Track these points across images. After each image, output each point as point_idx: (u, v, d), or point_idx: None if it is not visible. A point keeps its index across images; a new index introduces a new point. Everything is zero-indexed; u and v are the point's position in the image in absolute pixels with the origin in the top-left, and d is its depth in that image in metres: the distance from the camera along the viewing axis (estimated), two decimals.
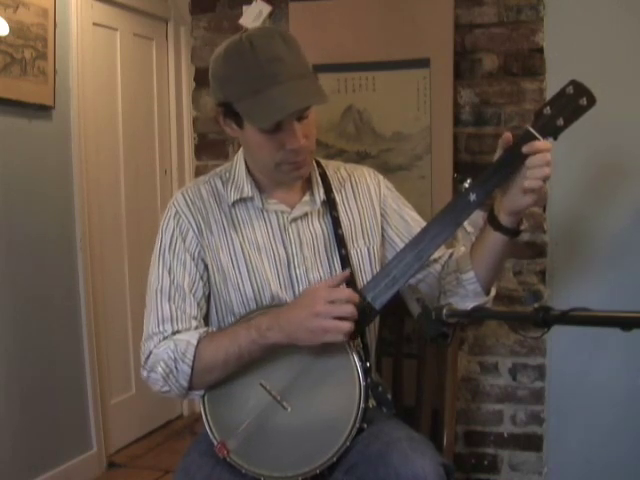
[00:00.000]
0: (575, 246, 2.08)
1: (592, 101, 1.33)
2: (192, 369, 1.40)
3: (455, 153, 2.11)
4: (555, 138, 1.34)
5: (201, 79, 2.35)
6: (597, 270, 2.07)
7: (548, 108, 1.34)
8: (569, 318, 1.02)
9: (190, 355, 1.39)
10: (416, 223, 1.58)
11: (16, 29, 2.49)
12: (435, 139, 2.09)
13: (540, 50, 2.06)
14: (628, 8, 1.99)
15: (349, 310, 1.32)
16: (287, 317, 1.35)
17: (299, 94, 1.36)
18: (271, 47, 1.35)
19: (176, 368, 1.40)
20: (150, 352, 1.44)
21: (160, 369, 1.41)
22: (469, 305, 1.42)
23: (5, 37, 2.45)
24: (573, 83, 1.34)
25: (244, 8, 2.24)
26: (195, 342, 1.40)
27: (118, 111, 3.27)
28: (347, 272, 1.42)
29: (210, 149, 2.35)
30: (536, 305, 1.05)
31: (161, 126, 3.59)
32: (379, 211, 1.59)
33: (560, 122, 1.33)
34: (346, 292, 1.35)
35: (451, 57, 2.07)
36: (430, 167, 2.10)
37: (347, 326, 1.31)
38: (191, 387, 1.43)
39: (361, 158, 2.13)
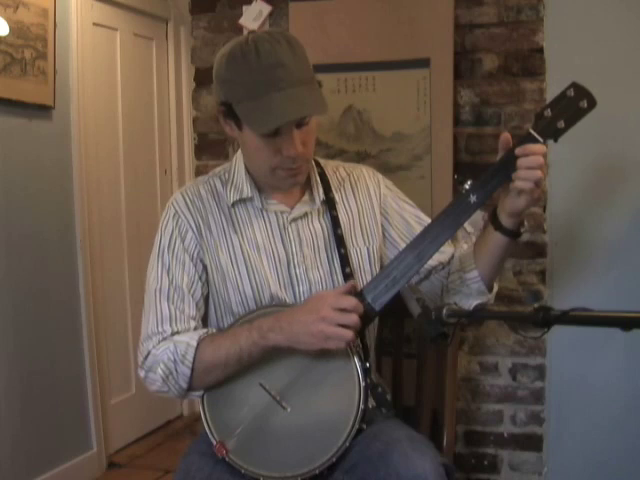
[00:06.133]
0: (575, 246, 2.08)
1: (592, 104, 1.33)
2: (192, 371, 1.40)
3: (455, 153, 2.11)
4: (555, 140, 1.34)
5: (201, 79, 2.34)
6: (597, 270, 2.06)
7: (549, 110, 1.34)
8: (569, 318, 1.03)
9: (190, 357, 1.39)
10: (417, 221, 1.59)
11: (16, 29, 2.50)
12: (435, 139, 2.09)
13: (540, 50, 2.06)
14: (628, 8, 1.99)
15: (354, 320, 1.33)
16: (290, 319, 1.35)
17: (299, 102, 1.36)
18: (275, 52, 1.35)
19: (176, 370, 1.40)
20: (149, 352, 1.44)
21: (160, 371, 1.41)
22: (472, 303, 1.46)
23: (5, 37, 2.45)
24: (574, 85, 1.34)
25: (244, 8, 2.24)
26: (195, 344, 1.40)
27: (118, 111, 3.28)
28: (353, 283, 1.41)
29: (210, 149, 2.34)
30: (536, 305, 1.05)
31: (161, 126, 3.59)
32: (379, 211, 1.59)
33: (561, 124, 1.33)
34: (353, 301, 1.35)
35: (451, 57, 2.07)
36: (430, 167, 2.10)
37: (350, 335, 1.32)
38: (190, 388, 1.43)
39: (361, 158, 2.13)
